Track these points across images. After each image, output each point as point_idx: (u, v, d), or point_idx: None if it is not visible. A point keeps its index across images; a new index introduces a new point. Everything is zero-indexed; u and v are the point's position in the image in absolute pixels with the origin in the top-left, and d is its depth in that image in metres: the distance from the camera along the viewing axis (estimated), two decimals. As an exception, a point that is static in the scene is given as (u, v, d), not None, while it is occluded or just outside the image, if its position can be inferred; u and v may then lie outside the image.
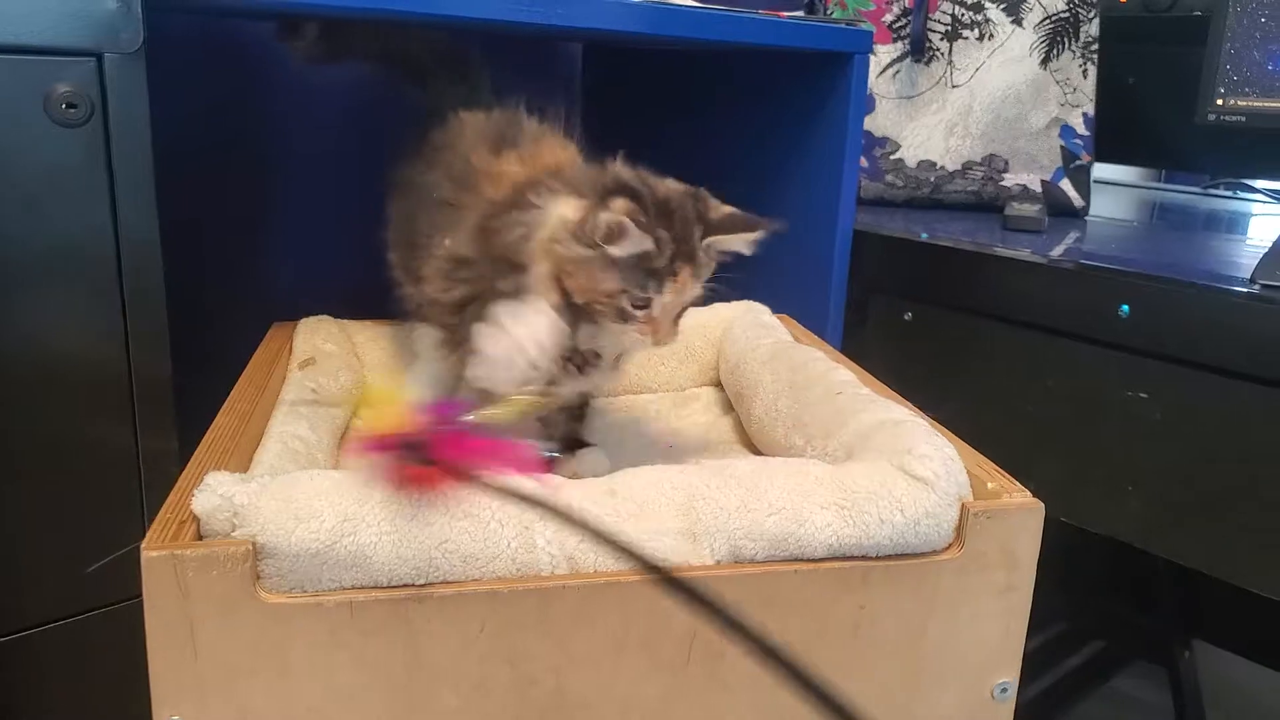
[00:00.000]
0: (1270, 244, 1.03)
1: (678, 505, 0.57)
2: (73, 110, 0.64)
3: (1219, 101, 1.17)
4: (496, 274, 0.70)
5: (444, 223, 0.76)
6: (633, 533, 0.56)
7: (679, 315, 0.71)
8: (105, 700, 0.72)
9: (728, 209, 0.71)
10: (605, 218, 0.65)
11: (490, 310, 0.67)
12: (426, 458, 0.51)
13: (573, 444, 0.79)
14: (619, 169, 0.71)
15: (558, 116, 0.82)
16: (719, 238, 0.69)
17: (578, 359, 0.71)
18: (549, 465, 0.68)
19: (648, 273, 0.66)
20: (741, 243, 0.70)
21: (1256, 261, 0.93)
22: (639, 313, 0.68)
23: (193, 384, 0.74)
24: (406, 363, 0.92)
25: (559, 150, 0.79)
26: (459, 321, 0.74)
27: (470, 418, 0.57)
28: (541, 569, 0.54)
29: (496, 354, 0.65)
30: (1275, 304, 0.83)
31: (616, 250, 0.65)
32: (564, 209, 0.68)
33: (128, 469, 0.70)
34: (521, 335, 0.65)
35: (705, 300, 0.73)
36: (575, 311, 0.68)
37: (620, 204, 0.65)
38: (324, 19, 0.90)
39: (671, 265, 0.67)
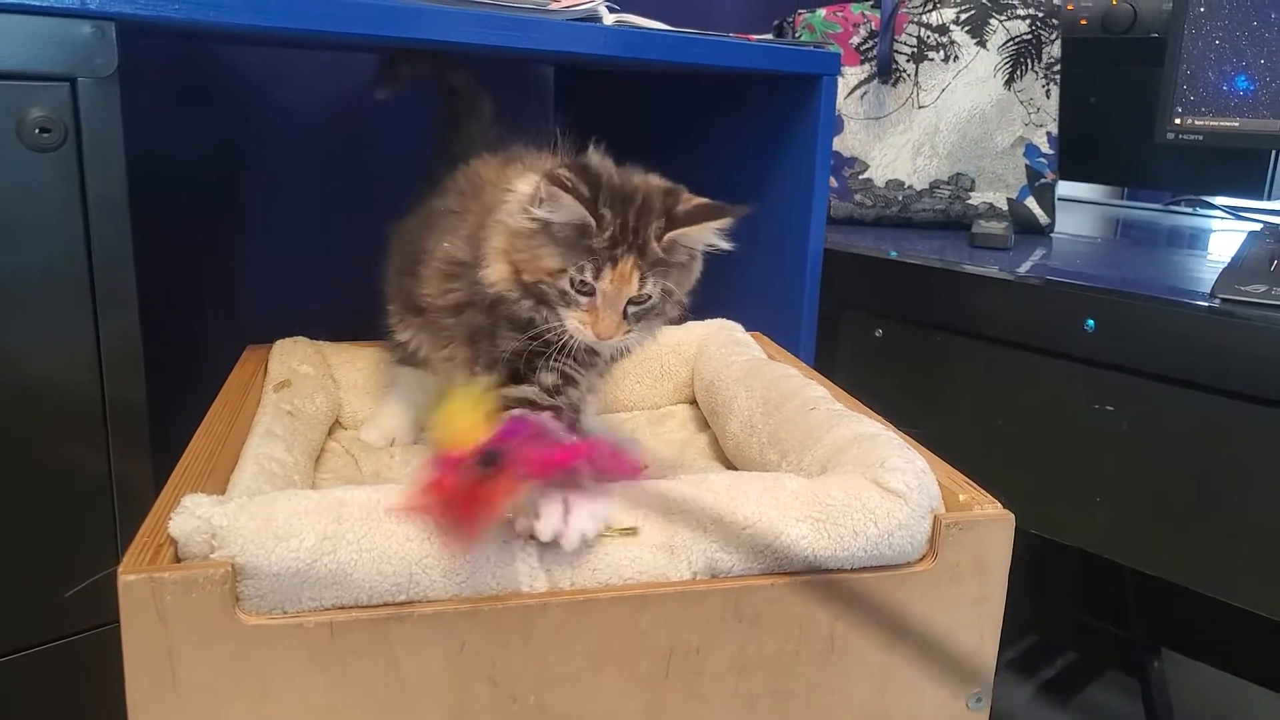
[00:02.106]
0: (1229, 259, 1.06)
1: (655, 520, 0.58)
2: (46, 135, 0.64)
3: (1177, 121, 1.20)
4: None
5: (447, 230, 0.76)
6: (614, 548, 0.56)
7: (633, 315, 0.68)
8: (81, 727, 0.72)
9: (699, 200, 0.69)
10: (540, 182, 0.65)
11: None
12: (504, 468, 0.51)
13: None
14: (590, 155, 0.70)
15: (549, 137, 0.80)
16: (683, 230, 0.67)
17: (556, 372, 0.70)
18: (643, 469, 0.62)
19: (588, 253, 0.65)
20: (709, 233, 0.68)
21: (1216, 276, 0.95)
22: (583, 299, 0.66)
23: (167, 407, 0.73)
24: (383, 387, 0.92)
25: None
26: (455, 323, 0.74)
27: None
28: (521, 583, 0.54)
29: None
30: (1234, 318, 0.85)
31: (546, 215, 0.65)
32: (522, 185, 0.69)
33: (101, 494, 0.69)
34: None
35: (680, 318, 0.73)
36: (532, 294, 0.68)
37: (559, 172, 0.64)
38: (294, 44, 0.91)
39: (614, 251, 0.65)
